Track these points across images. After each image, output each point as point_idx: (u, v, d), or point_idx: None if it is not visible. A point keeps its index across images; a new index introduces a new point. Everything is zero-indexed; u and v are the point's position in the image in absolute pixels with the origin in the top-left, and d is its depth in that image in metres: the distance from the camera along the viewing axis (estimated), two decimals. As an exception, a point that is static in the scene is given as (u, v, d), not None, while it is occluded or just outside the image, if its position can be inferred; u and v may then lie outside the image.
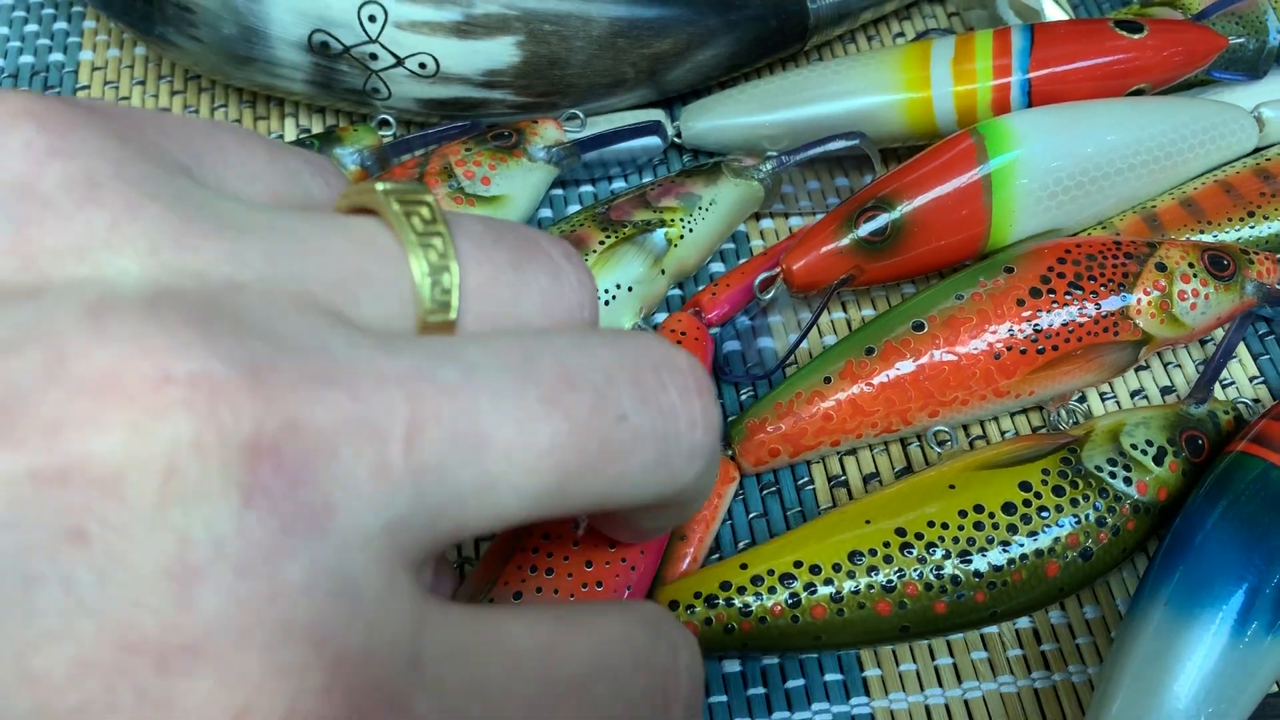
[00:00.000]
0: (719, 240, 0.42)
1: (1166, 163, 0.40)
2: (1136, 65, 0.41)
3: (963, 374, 0.36)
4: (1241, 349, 0.41)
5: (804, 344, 0.41)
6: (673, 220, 0.40)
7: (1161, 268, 0.37)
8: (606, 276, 0.39)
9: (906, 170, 0.40)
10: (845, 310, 0.42)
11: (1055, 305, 0.36)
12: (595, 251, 0.39)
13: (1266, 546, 0.32)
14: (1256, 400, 0.40)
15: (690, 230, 0.40)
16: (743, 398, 0.40)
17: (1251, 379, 0.40)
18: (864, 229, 0.39)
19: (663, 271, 0.40)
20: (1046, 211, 0.40)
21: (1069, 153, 0.39)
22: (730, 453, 0.37)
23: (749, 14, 0.44)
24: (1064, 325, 0.36)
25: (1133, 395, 0.40)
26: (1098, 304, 0.37)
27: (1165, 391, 0.40)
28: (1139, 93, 0.42)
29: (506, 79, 0.42)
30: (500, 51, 0.41)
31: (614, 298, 0.38)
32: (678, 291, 0.43)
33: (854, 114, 0.43)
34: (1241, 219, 0.40)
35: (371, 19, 0.40)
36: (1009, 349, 0.36)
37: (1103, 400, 0.40)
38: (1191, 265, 0.37)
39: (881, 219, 0.39)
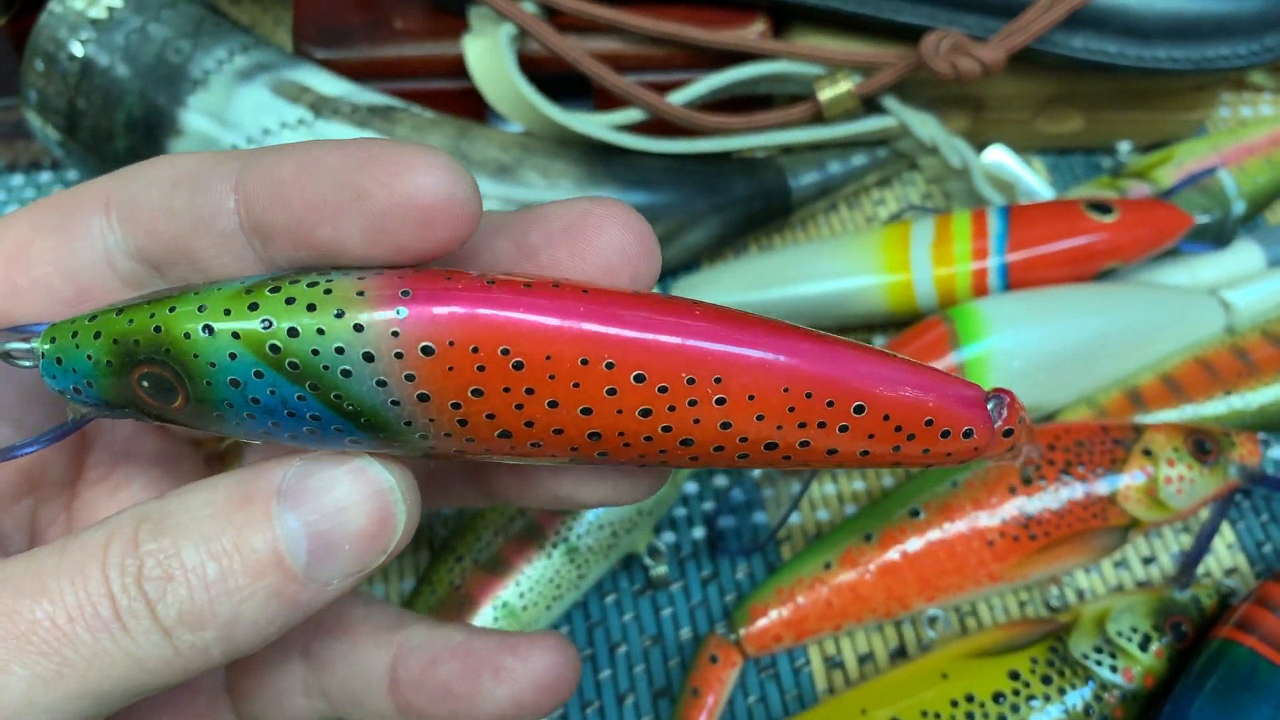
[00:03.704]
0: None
1: (1138, 347, 0.42)
2: (1109, 246, 0.43)
3: (958, 560, 0.38)
4: (1219, 517, 0.42)
5: (797, 519, 0.42)
6: None
7: (1148, 453, 0.39)
8: None
9: (883, 354, 0.42)
10: (836, 483, 0.44)
11: (1046, 492, 0.38)
12: None
13: (1253, 736, 0.33)
14: (1233, 569, 0.41)
15: None
16: (738, 575, 0.41)
17: (1229, 546, 0.42)
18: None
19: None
20: (1022, 390, 0.41)
21: (1039, 339, 0.41)
22: (734, 637, 0.38)
23: (735, 197, 0.46)
24: (1054, 512, 0.38)
25: (1115, 565, 0.41)
26: (1087, 490, 0.38)
27: (1147, 562, 0.41)
28: (1111, 271, 0.44)
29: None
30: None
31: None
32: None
33: (839, 294, 0.45)
34: (1222, 395, 0.42)
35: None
36: (1002, 535, 0.38)
37: (1087, 573, 0.41)
38: (1176, 450, 0.39)
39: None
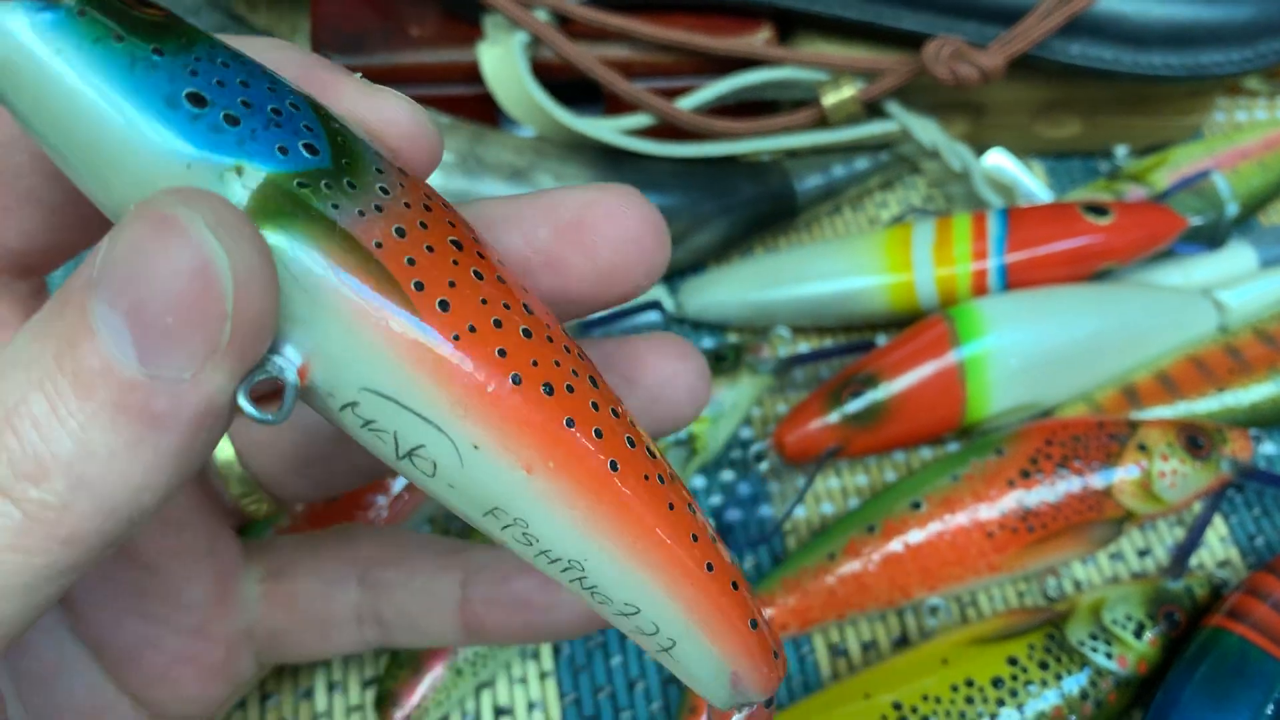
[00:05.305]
0: (735, 431, 0.45)
1: (1133, 345, 0.43)
2: (1105, 248, 0.44)
3: (958, 551, 0.39)
4: (1212, 510, 0.44)
5: (803, 511, 0.44)
6: (699, 434, 0.42)
7: (1142, 448, 0.40)
8: None
9: (886, 352, 0.43)
10: (840, 477, 0.45)
11: (1043, 486, 0.39)
12: None
13: (1243, 721, 0.34)
14: (1226, 562, 0.42)
15: (714, 439, 0.43)
16: (745, 566, 0.42)
17: (1221, 539, 0.43)
18: (849, 406, 0.42)
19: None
20: (1020, 387, 0.43)
21: (1037, 337, 0.42)
22: (737, 627, 0.39)
23: (742, 199, 0.48)
24: (1052, 505, 0.39)
25: (1111, 557, 0.42)
26: (1083, 484, 0.39)
27: (1142, 554, 0.43)
28: (1108, 272, 0.45)
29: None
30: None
31: None
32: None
33: (842, 294, 0.46)
34: (1214, 392, 0.43)
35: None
36: (1001, 528, 0.39)
37: (1083, 564, 0.42)
38: (1170, 445, 0.40)
39: (864, 398, 0.42)
